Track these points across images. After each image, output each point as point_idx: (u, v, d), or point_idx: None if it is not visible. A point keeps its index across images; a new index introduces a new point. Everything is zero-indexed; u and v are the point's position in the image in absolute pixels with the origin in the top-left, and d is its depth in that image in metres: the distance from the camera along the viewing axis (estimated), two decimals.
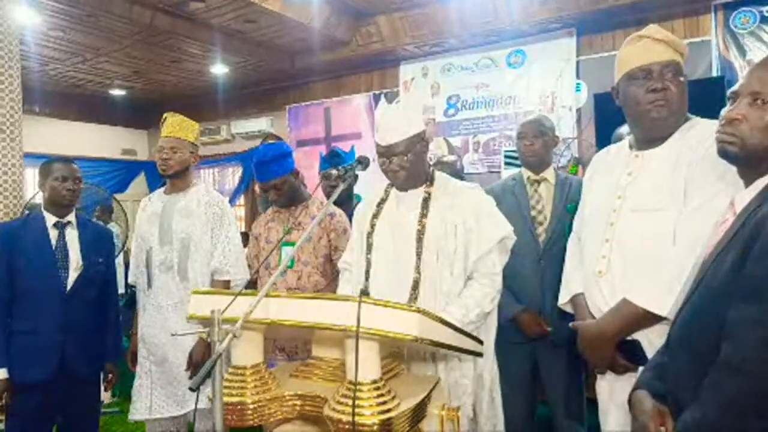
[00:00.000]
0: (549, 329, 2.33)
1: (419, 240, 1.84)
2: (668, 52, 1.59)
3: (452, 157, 3.48)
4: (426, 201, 1.90)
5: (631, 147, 1.71)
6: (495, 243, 1.86)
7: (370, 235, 1.95)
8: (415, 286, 1.82)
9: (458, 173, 3.09)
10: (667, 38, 1.60)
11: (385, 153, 1.87)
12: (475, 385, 1.88)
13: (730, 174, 1.32)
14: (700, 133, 1.55)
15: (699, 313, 1.15)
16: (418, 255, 1.83)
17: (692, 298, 1.20)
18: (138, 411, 2.47)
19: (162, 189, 2.65)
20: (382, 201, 2.01)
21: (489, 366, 1.93)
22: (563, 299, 1.86)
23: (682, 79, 1.59)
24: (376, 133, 1.93)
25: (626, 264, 1.58)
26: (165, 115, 2.60)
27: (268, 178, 2.47)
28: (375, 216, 1.98)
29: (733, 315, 1.02)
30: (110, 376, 2.62)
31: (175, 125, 2.54)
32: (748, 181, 1.21)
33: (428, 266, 1.83)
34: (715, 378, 1.02)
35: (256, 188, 7.47)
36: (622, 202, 1.63)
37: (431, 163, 3.37)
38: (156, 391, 2.45)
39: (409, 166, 1.86)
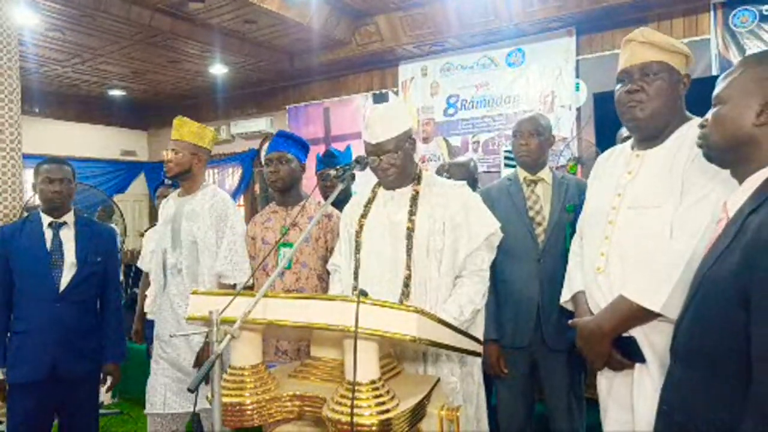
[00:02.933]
0: (506, 371, 2.35)
1: (409, 237, 1.87)
2: (651, 52, 1.60)
3: (465, 158, 3.49)
4: (414, 199, 1.93)
5: (632, 147, 1.73)
6: (483, 240, 1.89)
7: (358, 234, 1.97)
8: (407, 283, 1.85)
9: (472, 174, 3.09)
10: (652, 39, 1.61)
11: (375, 151, 1.90)
12: (464, 383, 1.90)
13: (724, 172, 1.34)
14: (696, 133, 1.55)
15: (703, 323, 1.14)
16: (409, 252, 1.86)
17: (692, 306, 1.19)
18: (153, 406, 2.51)
19: (177, 191, 2.67)
20: (370, 201, 2.03)
21: (478, 363, 1.97)
22: (565, 297, 1.88)
23: (661, 80, 1.59)
24: (364, 132, 1.96)
25: (624, 261, 1.60)
26: (179, 117, 2.62)
27: (278, 149, 2.51)
28: (363, 216, 2.00)
29: (760, 333, 0.99)
30: (109, 377, 2.62)
31: (177, 127, 2.55)
32: (741, 180, 1.23)
33: (418, 263, 1.86)
34: (755, 403, 0.99)
35: (256, 188, 7.48)
36: (621, 201, 1.64)
37: (445, 165, 3.38)
38: (170, 388, 2.49)
39: (399, 163, 1.90)
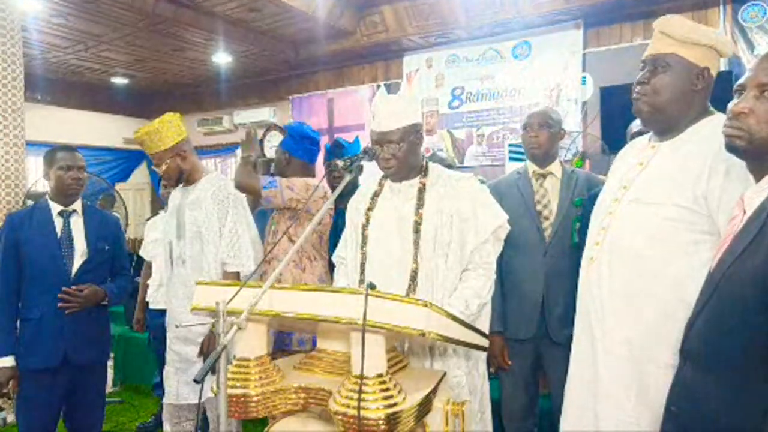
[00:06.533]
0: (509, 363, 2.37)
1: (417, 231, 1.85)
2: (665, 44, 1.56)
3: (443, 154, 3.52)
4: (421, 192, 1.91)
5: (649, 139, 1.70)
6: (490, 233, 1.87)
7: (365, 227, 1.95)
8: (413, 276, 1.83)
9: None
10: (667, 30, 1.56)
11: (380, 140, 1.88)
12: (470, 376, 1.90)
13: (741, 170, 1.30)
14: (714, 129, 1.52)
15: (722, 326, 1.11)
16: (416, 245, 1.84)
17: (707, 308, 1.16)
18: (168, 396, 2.53)
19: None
20: (376, 194, 2.01)
21: (483, 357, 1.96)
22: None
23: (669, 73, 1.54)
24: (372, 120, 1.93)
25: (613, 253, 1.57)
26: (136, 133, 2.50)
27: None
28: (370, 209, 1.98)
29: None
30: (85, 291, 2.43)
31: (147, 141, 2.44)
32: (759, 176, 1.19)
33: (426, 256, 1.84)
34: None
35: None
36: (625, 193, 1.61)
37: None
38: (180, 379, 2.49)
39: (401, 155, 1.87)
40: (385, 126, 1.86)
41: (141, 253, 3.57)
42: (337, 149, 3.12)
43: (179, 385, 2.48)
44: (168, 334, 2.57)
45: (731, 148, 1.21)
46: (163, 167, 2.45)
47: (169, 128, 2.45)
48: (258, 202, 2.91)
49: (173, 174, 2.48)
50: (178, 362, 2.50)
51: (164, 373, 2.57)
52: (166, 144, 2.44)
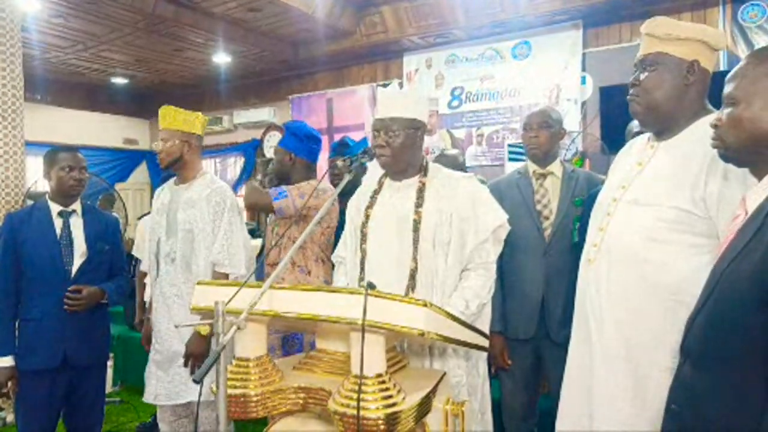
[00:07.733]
0: (509, 362, 2.39)
1: (416, 230, 1.84)
2: (650, 44, 1.57)
3: (454, 151, 3.47)
4: (421, 191, 1.90)
5: (648, 138, 1.70)
6: (490, 232, 1.87)
7: (364, 225, 1.94)
8: (412, 275, 1.83)
9: (461, 167, 3.07)
10: (651, 30, 1.57)
11: (377, 126, 1.88)
12: (469, 376, 1.90)
13: (739, 172, 1.31)
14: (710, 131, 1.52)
15: (720, 324, 1.11)
16: (415, 245, 1.83)
17: (707, 306, 1.16)
18: (147, 395, 2.52)
19: (173, 180, 2.65)
20: (376, 192, 2.00)
21: (483, 357, 1.96)
22: None
23: (656, 72, 1.55)
24: (375, 111, 1.93)
25: (611, 255, 1.57)
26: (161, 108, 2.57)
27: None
28: (369, 207, 1.97)
29: None
30: (84, 291, 2.43)
31: (164, 116, 2.50)
32: (759, 176, 1.20)
33: (425, 256, 1.84)
34: None
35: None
36: (624, 193, 1.61)
37: (434, 156, 3.37)
38: (160, 379, 2.47)
39: (396, 144, 1.85)
40: (384, 113, 1.86)
41: (134, 251, 3.56)
42: (341, 147, 3.12)
43: (157, 385, 2.46)
44: (153, 333, 2.54)
45: (719, 155, 1.29)
46: (167, 144, 2.46)
47: (195, 119, 2.52)
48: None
49: (173, 156, 2.46)
50: (161, 362, 2.48)
51: (146, 371, 2.54)
52: (181, 127, 2.47)
